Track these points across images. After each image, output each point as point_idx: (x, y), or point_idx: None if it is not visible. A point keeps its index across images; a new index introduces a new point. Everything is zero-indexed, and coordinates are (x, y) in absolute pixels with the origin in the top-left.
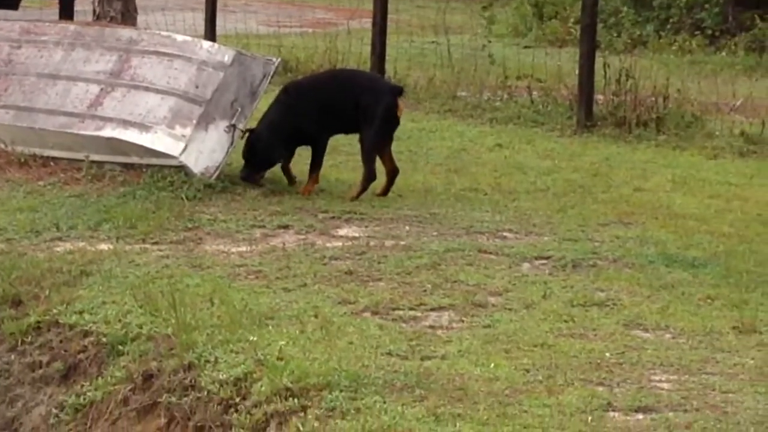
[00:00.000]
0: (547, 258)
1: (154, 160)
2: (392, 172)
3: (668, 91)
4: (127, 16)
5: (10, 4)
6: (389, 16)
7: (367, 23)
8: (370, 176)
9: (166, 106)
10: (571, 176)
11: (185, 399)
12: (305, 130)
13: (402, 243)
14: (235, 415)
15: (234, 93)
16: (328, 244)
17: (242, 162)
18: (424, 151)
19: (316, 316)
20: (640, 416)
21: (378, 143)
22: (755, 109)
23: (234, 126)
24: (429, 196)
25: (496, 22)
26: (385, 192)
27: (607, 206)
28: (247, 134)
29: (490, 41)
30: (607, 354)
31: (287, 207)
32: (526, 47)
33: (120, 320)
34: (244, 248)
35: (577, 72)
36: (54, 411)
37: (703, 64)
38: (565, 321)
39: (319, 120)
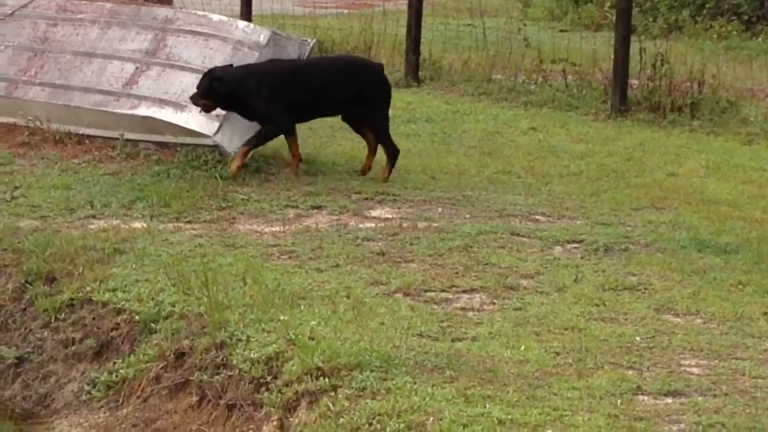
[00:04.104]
0: (580, 242)
1: (189, 139)
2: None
3: (703, 77)
4: None
5: None
6: None
7: (403, 5)
8: (394, 153)
9: None
10: (604, 161)
11: (217, 377)
12: None
13: (434, 225)
14: (266, 393)
15: None
16: (360, 225)
17: (276, 142)
18: (458, 133)
19: (348, 297)
20: (670, 400)
21: (388, 122)
22: None
23: None
24: (462, 178)
25: (532, 5)
26: (367, 169)
27: (640, 191)
28: None
29: (525, 24)
30: (638, 338)
31: (321, 188)
32: (561, 31)
33: (153, 298)
34: (277, 228)
35: (612, 56)
36: (86, 387)
37: (738, 50)
38: (596, 305)
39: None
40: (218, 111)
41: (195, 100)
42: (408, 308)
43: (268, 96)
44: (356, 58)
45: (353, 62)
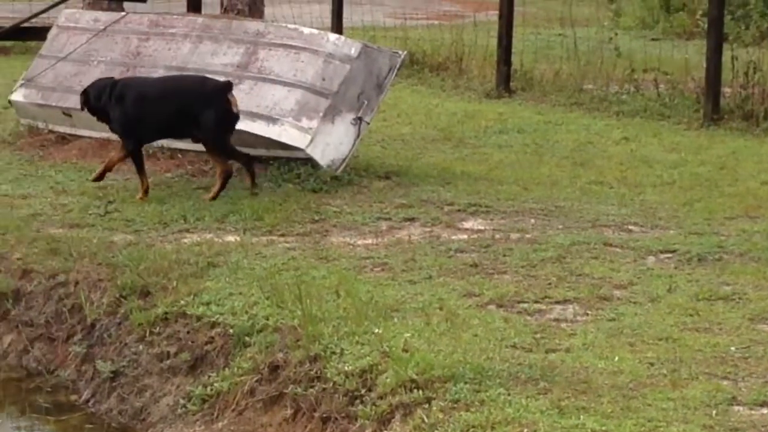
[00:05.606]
0: (673, 252)
1: (281, 153)
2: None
3: None
4: (254, 9)
5: None
6: (516, 8)
7: (494, 15)
8: (227, 174)
9: (293, 99)
10: (697, 170)
11: (311, 390)
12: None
13: (527, 236)
14: (360, 406)
15: (360, 86)
16: (453, 237)
17: (369, 154)
18: (550, 144)
19: (441, 309)
20: (765, 411)
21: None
22: None
23: (360, 119)
24: (555, 188)
25: (623, 14)
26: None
27: (733, 200)
28: None
29: (616, 33)
30: (732, 348)
31: (413, 199)
32: (653, 40)
33: (246, 312)
34: (370, 240)
35: (704, 65)
36: (181, 401)
37: None
38: (690, 315)
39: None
40: (310, 124)
41: None
42: (501, 320)
43: (118, 113)
44: (190, 78)
45: (183, 82)
